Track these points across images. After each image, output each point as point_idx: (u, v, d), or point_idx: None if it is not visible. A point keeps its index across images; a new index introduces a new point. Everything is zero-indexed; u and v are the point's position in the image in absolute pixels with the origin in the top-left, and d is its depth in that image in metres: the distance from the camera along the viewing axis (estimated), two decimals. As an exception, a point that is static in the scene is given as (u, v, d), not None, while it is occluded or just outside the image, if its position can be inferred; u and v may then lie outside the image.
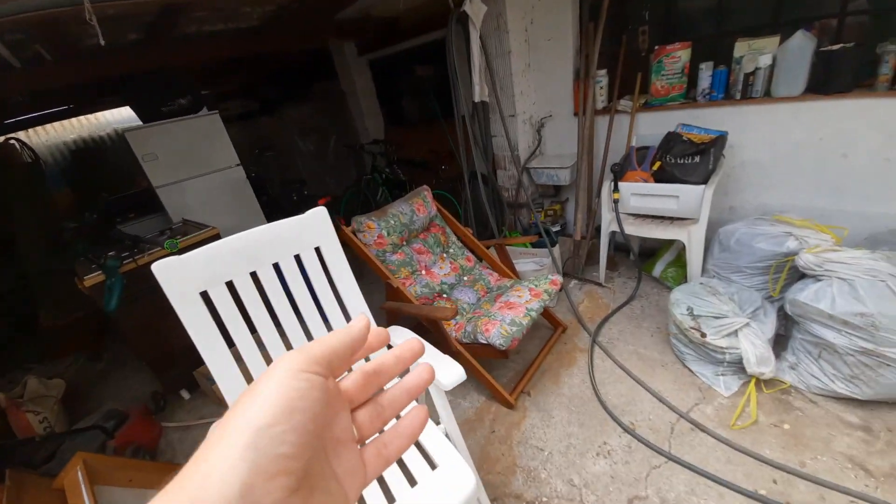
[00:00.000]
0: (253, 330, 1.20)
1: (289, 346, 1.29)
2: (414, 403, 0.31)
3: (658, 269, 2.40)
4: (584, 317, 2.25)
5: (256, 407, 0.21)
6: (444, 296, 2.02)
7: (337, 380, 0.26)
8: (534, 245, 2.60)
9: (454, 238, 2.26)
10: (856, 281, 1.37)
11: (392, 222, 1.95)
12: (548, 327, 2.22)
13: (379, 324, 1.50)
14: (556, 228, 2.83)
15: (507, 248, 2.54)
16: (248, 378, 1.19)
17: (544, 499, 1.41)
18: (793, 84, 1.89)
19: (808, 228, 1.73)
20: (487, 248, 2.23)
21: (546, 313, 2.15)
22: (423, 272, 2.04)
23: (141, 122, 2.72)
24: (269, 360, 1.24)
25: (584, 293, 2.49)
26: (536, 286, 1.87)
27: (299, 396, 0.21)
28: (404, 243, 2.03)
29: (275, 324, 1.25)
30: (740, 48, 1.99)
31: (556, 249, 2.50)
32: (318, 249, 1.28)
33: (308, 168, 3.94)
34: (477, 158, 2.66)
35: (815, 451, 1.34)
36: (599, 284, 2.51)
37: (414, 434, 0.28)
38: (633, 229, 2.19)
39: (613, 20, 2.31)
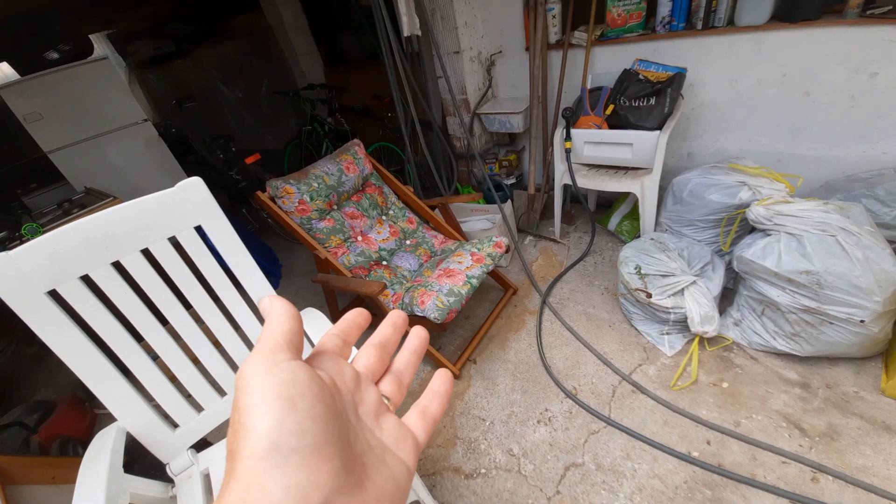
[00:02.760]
0: (135, 332, 1.03)
1: (185, 347, 1.12)
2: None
3: (613, 223, 2.29)
4: (537, 276, 2.16)
5: (255, 418, 0.18)
6: (383, 263, 1.86)
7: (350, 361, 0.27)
8: (486, 201, 2.43)
9: (394, 198, 2.05)
10: (804, 236, 1.28)
11: (315, 185, 1.72)
12: (499, 289, 2.12)
13: (317, 298, 1.34)
14: (511, 181, 2.64)
15: (459, 205, 2.36)
16: (139, 385, 1.04)
17: (483, 470, 1.37)
18: (758, 10, 1.68)
19: (763, 177, 1.62)
20: (433, 207, 2.04)
21: (497, 275, 2.03)
22: (359, 239, 1.85)
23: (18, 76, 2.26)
24: (163, 367, 1.09)
25: (539, 250, 2.37)
26: (479, 250, 1.73)
27: (289, 385, 0.19)
28: (333, 208, 1.82)
29: (162, 322, 1.08)
30: (706, -33, 1.73)
31: (508, 206, 2.33)
32: (199, 229, 1.07)
33: (239, 120, 3.49)
34: (421, 104, 2.37)
35: (751, 410, 1.33)
36: (554, 240, 2.40)
37: (449, 392, 0.29)
38: (587, 182, 2.04)
39: (567, -68, 1.97)
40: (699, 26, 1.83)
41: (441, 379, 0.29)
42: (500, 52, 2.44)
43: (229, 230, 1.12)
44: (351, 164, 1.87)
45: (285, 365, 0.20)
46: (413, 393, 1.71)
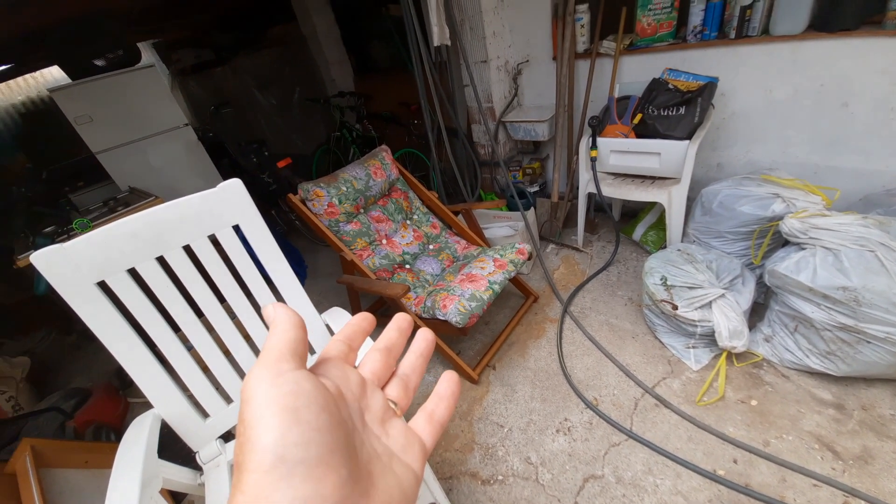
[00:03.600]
0: (173, 323, 1.09)
1: (218, 340, 1.17)
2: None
3: (638, 233, 2.26)
4: (559, 284, 2.14)
5: (260, 431, 0.18)
6: (407, 267, 1.89)
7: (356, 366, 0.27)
8: (509, 208, 2.44)
9: (418, 203, 2.09)
10: (842, 251, 1.23)
11: (344, 189, 1.77)
12: (519, 296, 2.11)
13: (339, 299, 1.38)
14: (534, 189, 2.65)
15: (482, 212, 2.38)
16: (174, 375, 1.09)
17: (500, 476, 1.37)
18: (794, 20, 1.64)
19: (798, 189, 1.57)
20: (456, 213, 2.06)
21: (518, 282, 2.03)
22: (384, 242, 1.89)
23: (70, 80, 2.43)
24: (197, 358, 1.14)
25: (561, 259, 2.36)
26: (502, 256, 1.74)
27: (294, 396, 0.20)
28: (360, 211, 1.86)
29: (198, 314, 1.13)
30: (740, -24, 1.71)
31: (532, 213, 2.33)
32: (237, 228, 1.13)
33: (272, 125, 3.63)
34: (447, 112, 2.41)
35: (781, 430, 1.28)
36: (577, 249, 2.38)
37: (456, 395, 0.28)
38: (612, 190, 2.02)
39: (597, -57, 1.98)
40: (732, 35, 1.80)
41: (447, 382, 0.29)
42: (527, 60, 2.46)
43: (264, 230, 1.17)
44: (378, 169, 1.92)
45: (290, 375, 0.20)
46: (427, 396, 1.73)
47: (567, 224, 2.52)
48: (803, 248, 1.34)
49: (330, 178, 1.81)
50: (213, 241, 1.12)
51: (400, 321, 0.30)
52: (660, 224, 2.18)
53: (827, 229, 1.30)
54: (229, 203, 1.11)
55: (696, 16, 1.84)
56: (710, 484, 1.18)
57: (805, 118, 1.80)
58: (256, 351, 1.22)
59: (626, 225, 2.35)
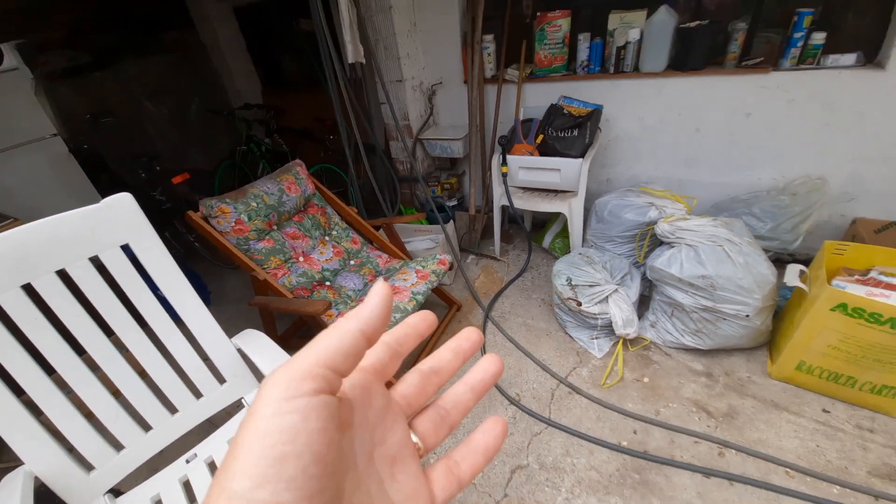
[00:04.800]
0: (47, 366, 0.93)
1: (104, 378, 1.02)
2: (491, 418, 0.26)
3: (547, 240, 2.48)
4: (480, 292, 2.25)
5: (235, 466, 0.16)
6: (327, 284, 1.84)
7: (387, 383, 0.23)
8: (429, 221, 2.51)
9: (337, 219, 2.05)
10: (699, 247, 1.51)
11: (254, 204, 1.68)
12: (443, 306, 2.17)
13: (251, 325, 1.29)
14: (453, 203, 2.76)
15: (403, 226, 2.42)
16: (49, 423, 0.93)
17: (434, 485, 1.37)
18: (657, 59, 1.99)
19: (667, 198, 1.89)
20: (377, 228, 2.07)
21: (441, 292, 2.10)
22: (300, 259, 1.82)
23: None
24: (78, 401, 0.98)
25: (481, 268, 2.49)
26: (424, 267, 1.79)
27: (289, 438, 0.16)
28: (273, 228, 1.78)
29: (79, 351, 0.98)
30: (613, 21, 2.03)
31: (451, 226, 2.43)
32: (126, 248, 1.01)
33: (165, 138, 3.28)
34: (364, 128, 2.43)
35: (667, 400, 1.50)
36: (495, 258, 2.53)
37: (492, 450, 0.23)
38: (522, 203, 2.21)
39: (498, -19, 2.20)
40: (612, 70, 2.11)
41: (487, 432, 0.24)
42: (441, 82, 2.60)
43: (161, 249, 1.07)
44: (293, 184, 1.86)
45: (300, 403, 0.17)
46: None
47: (485, 235, 2.67)
48: (672, 246, 1.61)
49: (238, 194, 1.70)
50: (99, 264, 0.99)
51: (460, 340, 0.25)
52: (564, 232, 2.42)
53: (689, 230, 1.58)
54: (116, 220, 0.99)
55: (583, 52, 2.14)
56: (616, 455, 1.34)
57: (669, 141, 2.17)
58: (154, 388, 1.08)
59: (537, 234, 2.57)
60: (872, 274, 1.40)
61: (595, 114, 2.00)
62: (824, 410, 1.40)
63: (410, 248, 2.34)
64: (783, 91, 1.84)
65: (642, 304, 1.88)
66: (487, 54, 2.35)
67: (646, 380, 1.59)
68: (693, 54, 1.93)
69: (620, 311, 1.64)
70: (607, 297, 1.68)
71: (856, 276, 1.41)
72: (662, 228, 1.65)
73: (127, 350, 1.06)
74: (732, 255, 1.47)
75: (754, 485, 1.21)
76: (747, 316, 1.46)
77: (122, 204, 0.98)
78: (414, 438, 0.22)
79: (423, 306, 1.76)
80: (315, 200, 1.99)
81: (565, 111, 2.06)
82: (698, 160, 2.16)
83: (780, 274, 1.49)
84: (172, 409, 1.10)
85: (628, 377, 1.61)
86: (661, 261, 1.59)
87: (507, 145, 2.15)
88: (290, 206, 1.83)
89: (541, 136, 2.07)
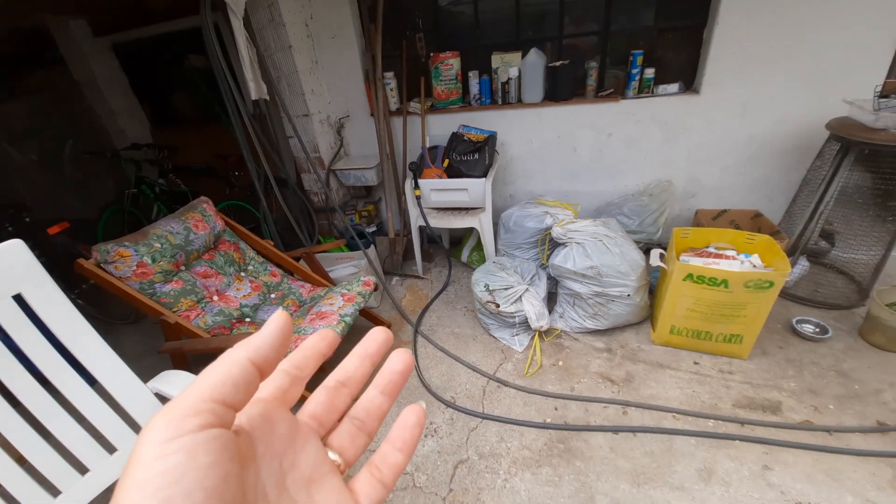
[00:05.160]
0: None
1: (3, 443, 0.90)
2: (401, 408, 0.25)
3: (465, 255, 2.68)
4: (407, 310, 2.34)
5: None
6: (247, 320, 1.78)
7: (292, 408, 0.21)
8: (350, 248, 2.55)
9: (252, 254, 2.01)
10: (586, 243, 1.81)
11: (158, 245, 1.59)
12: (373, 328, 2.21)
13: (163, 369, 1.20)
14: (372, 229, 2.84)
15: (325, 255, 2.43)
16: None
17: (382, 501, 1.39)
18: (534, 92, 2.36)
19: (558, 207, 2.20)
20: (297, 259, 2.06)
21: (369, 315, 2.14)
22: (215, 298, 1.74)
23: None
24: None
25: (406, 288, 2.58)
26: (349, 290, 1.83)
27: (173, 480, 0.15)
28: (181, 269, 1.69)
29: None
30: (496, 60, 2.37)
31: (372, 250, 2.51)
32: (18, 298, 0.92)
33: (34, 186, 2.86)
34: (274, 162, 2.43)
35: (579, 377, 1.72)
36: (418, 277, 2.65)
37: (410, 444, 0.23)
38: (437, 221, 2.38)
39: (393, 24, 2.43)
40: (500, 102, 2.44)
41: (404, 424, 0.23)
42: (348, 116, 2.72)
43: (58, 295, 1.00)
44: (199, 221, 1.79)
45: (186, 441, 0.16)
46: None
47: (406, 257, 2.79)
48: (566, 246, 1.89)
49: (138, 236, 1.60)
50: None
51: (367, 343, 0.25)
52: (479, 245, 2.64)
53: (576, 231, 1.87)
54: (7, 270, 0.92)
55: (474, 86, 2.44)
56: (543, 431, 1.50)
57: (554, 159, 2.55)
58: (61, 449, 0.97)
59: (455, 250, 2.76)
60: (709, 249, 1.81)
61: (491, 139, 2.28)
62: (695, 363, 1.74)
63: (334, 275, 2.35)
64: (631, 115, 2.31)
65: (550, 300, 2.13)
66: (390, 89, 2.54)
67: (560, 363, 1.81)
68: (561, 87, 2.33)
69: (533, 307, 1.86)
70: (521, 296, 1.90)
71: (697, 252, 1.80)
72: (557, 232, 1.93)
73: (26, 410, 0.94)
74: (611, 248, 1.79)
75: (651, 431, 1.46)
76: (629, 295, 1.77)
77: (13, 251, 0.92)
78: (332, 455, 0.22)
79: (352, 328, 1.80)
80: (226, 237, 1.93)
81: (465, 138, 2.31)
82: (578, 173, 2.56)
83: (649, 259, 1.84)
84: (82, 469, 0.99)
85: (546, 364, 1.82)
86: (559, 259, 1.86)
87: (418, 170, 2.32)
88: (199, 244, 1.76)
89: (447, 161, 2.28)
